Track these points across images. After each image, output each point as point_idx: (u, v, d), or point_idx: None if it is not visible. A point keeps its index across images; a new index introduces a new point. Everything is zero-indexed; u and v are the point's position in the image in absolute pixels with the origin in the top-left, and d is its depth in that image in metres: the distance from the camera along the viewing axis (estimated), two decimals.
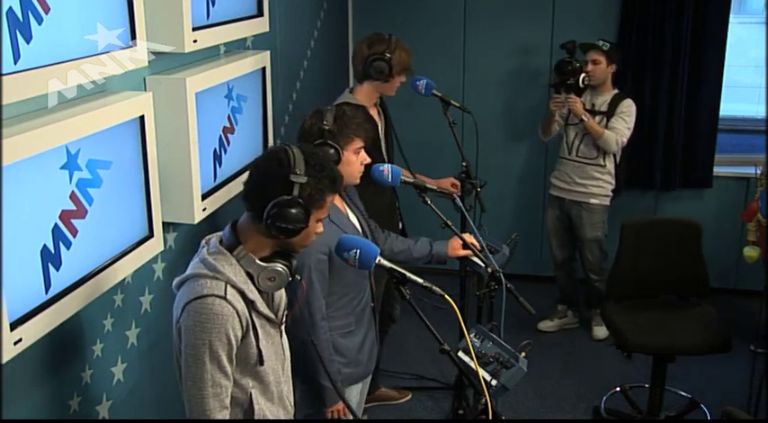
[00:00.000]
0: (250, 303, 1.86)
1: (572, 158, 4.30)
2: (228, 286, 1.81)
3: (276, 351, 1.98)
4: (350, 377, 2.61)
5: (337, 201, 2.58)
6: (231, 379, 1.85)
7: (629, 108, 4.17)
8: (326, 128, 2.45)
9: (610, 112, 4.18)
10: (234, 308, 1.80)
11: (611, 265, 3.74)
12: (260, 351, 1.87)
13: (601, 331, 4.47)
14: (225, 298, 1.79)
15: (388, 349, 4.21)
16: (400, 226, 3.61)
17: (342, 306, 2.54)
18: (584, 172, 4.27)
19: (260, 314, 1.89)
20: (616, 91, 4.26)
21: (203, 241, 1.94)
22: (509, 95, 4.95)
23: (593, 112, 4.20)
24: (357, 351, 2.61)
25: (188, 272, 1.87)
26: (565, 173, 4.35)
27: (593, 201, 4.29)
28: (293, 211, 1.80)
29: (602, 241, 4.37)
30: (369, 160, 2.59)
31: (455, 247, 2.86)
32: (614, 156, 4.26)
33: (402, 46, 3.28)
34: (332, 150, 2.44)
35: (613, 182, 4.30)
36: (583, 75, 4.10)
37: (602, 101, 4.21)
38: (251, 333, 1.85)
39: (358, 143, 2.52)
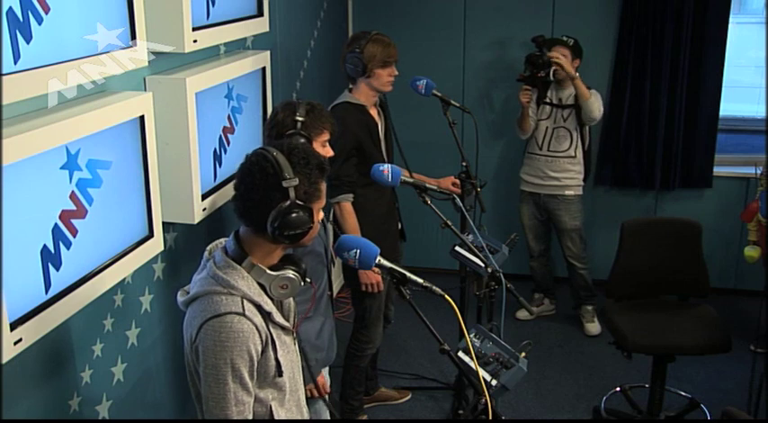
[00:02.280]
0: (267, 315, 1.82)
1: (543, 153, 4.39)
2: (245, 301, 1.77)
3: (292, 359, 1.95)
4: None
5: None
6: (253, 394, 1.81)
7: (596, 93, 4.25)
8: (300, 119, 2.51)
9: (576, 106, 4.26)
10: (253, 323, 1.75)
11: (609, 263, 3.73)
12: (278, 362, 1.83)
13: (593, 327, 4.51)
14: (244, 314, 1.74)
15: (388, 349, 4.22)
16: (399, 226, 3.61)
17: (301, 292, 2.55)
18: (557, 165, 4.37)
19: (276, 324, 1.85)
20: None
21: (206, 253, 1.90)
22: (509, 95, 4.94)
23: (560, 106, 4.30)
24: (315, 336, 2.62)
25: (198, 289, 1.82)
26: (537, 168, 4.43)
27: (568, 192, 4.39)
28: (296, 215, 1.76)
29: (582, 229, 4.47)
30: (332, 154, 2.63)
31: None
32: (583, 143, 4.35)
33: (379, 39, 3.24)
34: (302, 140, 2.46)
35: (583, 171, 4.41)
36: (554, 68, 4.17)
37: (568, 94, 4.30)
38: (270, 346, 1.81)
39: (326, 135, 2.59)
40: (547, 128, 4.36)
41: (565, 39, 4.29)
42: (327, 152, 2.59)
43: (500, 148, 5.01)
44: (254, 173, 1.78)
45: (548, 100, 4.36)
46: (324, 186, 1.87)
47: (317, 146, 2.54)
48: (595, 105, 4.18)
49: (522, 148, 4.68)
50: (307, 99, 2.63)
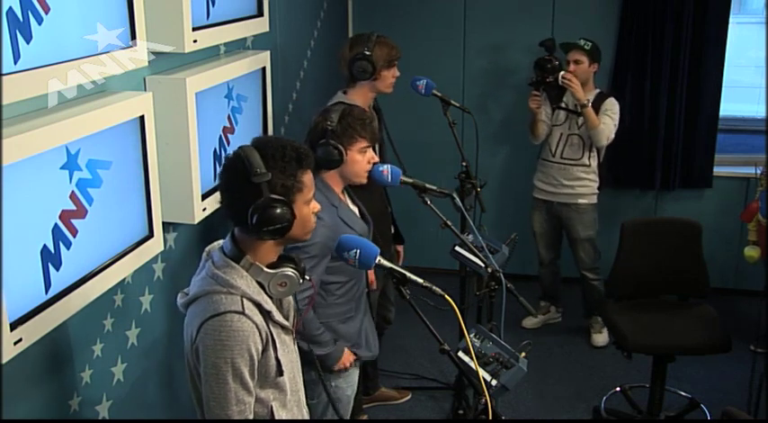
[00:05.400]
0: (267, 314, 1.81)
1: (556, 161, 4.28)
2: (244, 300, 1.76)
3: (291, 358, 1.94)
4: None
5: (344, 197, 2.64)
6: (254, 394, 1.80)
7: (613, 106, 4.14)
8: (330, 127, 2.48)
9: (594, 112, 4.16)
10: (253, 322, 1.75)
11: (609, 263, 3.72)
12: (279, 362, 1.82)
13: (600, 338, 4.43)
14: (243, 313, 1.74)
15: (388, 349, 4.22)
16: (392, 230, 3.60)
17: (344, 293, 2.59)
18: (570, 173, 4.26)
19: (276, 323, 1.85)
20: (598, 90, 4.24)
21: (204, 254, 1.90)
22: (509, 95, 4.95)
23: (576, 113, 4.19)
24: (357, 335, 2.66)
25: (197, 289, 1.81)
26: (550, 175, 4.33)
27: (581, 201, 4.29)
28: (272, 210, 1.74)
29: (595, 239, 4.38)
30: (377, 159, 2.60)
31: None
32: (598, 154, 4.25)
33: (384, 41, 3.25)
34: (335, 151, 2.46)
35: (597, 180, 4.29)
36: (562, 72, 4.07)
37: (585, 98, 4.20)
38: (270, 345, 1.80)
39: (363, 143, 2.54)
40: (561, 134, 4.24)
41: (582, 42, 4.12)
42: (369, 158, 2.55)
43: (500, 147, 5.01)
44: (228, 172, 1.81)
45: (563, 105, 4.23)
46: (308, 176, 1.84)
47: (352, 154, 2.51)
48: (603, 134, 4.05)
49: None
50: (347, 104, 2.56)
